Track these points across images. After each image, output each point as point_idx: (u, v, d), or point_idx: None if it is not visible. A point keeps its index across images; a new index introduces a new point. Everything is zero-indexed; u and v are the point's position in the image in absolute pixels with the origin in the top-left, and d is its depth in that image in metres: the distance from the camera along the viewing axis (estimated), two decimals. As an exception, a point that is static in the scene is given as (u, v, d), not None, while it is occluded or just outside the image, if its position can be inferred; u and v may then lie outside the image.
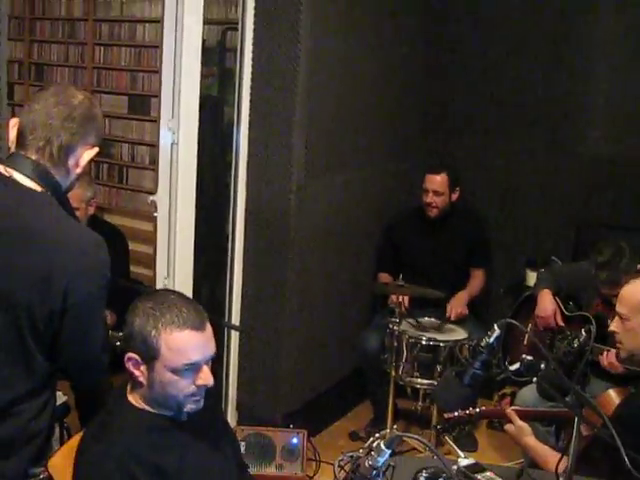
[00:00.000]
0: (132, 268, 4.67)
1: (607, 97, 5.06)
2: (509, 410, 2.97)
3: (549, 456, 2.82)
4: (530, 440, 2.91)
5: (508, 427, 2.96)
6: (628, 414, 2.70)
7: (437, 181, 4.89)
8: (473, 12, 5.38)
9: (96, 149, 2.28)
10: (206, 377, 2.23)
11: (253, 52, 4.23)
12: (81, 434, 2.37)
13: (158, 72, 3.97)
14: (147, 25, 6.04)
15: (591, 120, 5.13)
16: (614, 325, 2.90)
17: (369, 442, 1.81)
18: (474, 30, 5.36)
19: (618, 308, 2.88)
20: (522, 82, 5.24)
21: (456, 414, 3.01)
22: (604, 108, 5.09)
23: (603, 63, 5.06)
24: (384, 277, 5.01)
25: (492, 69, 5.34)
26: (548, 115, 5.22)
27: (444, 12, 5.42)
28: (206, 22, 3.90)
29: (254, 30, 4.20)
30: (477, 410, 3.06)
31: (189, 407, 2.25)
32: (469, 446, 4.59)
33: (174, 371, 2.18)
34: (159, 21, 4.14)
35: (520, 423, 2.92)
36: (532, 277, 4.99)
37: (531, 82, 5.22)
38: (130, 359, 2.22)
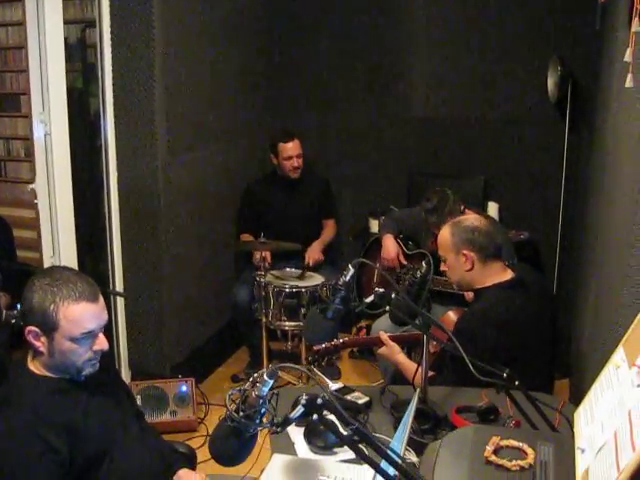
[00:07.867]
0: (18, 253, 4.50)
1: (429, 69, 5.14)
2: (382, 333, 3.03)
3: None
4: (400, 357, 2.99)
5: (382, 350, 3.03)
6: (463, 327, 2.83)
7: (296, 146, 4.90)
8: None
9: None
10: (102, 342, 2.22)
11: (112, 47, 4.11)
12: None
13: (25, 71, 3.81)
14: (9, 28, 5.80)
15: (417, 87, 5.20)
16: (441, 266, 3.09)
17: (253, 377, 1.82)
18: (307, 18, 5.36)
19: (439, 252, 3.07)
20: (357, 56, 5.26)
21: (323, 346, 3.05)
22: (427, 77, 5.16)
23: (424, 42, 5.12)
24: (246, 237, 4.99)
25: (329, 47, 5.33)
26: (380, 83, 5.26)
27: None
28: (65, 22, 3.75)
29: (111, 27, 4.08)
30: (341, 340, 3.11)
31: (87, 371, 2.23)
32: (334, 374, 4.67)
33: (73, 340, 2.15)
34: (21, 24, 3.95)
35: (392, 344, 2.98)
36: (375, 224, 5.11)
37: (365, 56, 5.25)
38: (30, 332, 2.16)
